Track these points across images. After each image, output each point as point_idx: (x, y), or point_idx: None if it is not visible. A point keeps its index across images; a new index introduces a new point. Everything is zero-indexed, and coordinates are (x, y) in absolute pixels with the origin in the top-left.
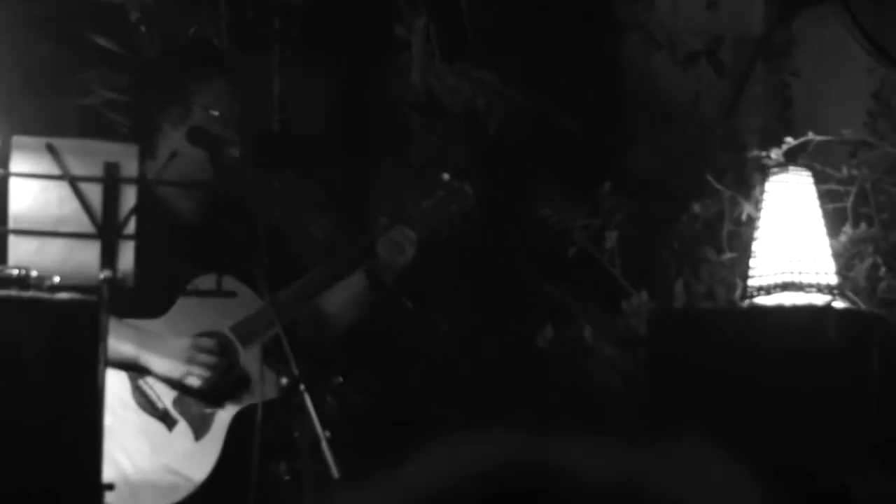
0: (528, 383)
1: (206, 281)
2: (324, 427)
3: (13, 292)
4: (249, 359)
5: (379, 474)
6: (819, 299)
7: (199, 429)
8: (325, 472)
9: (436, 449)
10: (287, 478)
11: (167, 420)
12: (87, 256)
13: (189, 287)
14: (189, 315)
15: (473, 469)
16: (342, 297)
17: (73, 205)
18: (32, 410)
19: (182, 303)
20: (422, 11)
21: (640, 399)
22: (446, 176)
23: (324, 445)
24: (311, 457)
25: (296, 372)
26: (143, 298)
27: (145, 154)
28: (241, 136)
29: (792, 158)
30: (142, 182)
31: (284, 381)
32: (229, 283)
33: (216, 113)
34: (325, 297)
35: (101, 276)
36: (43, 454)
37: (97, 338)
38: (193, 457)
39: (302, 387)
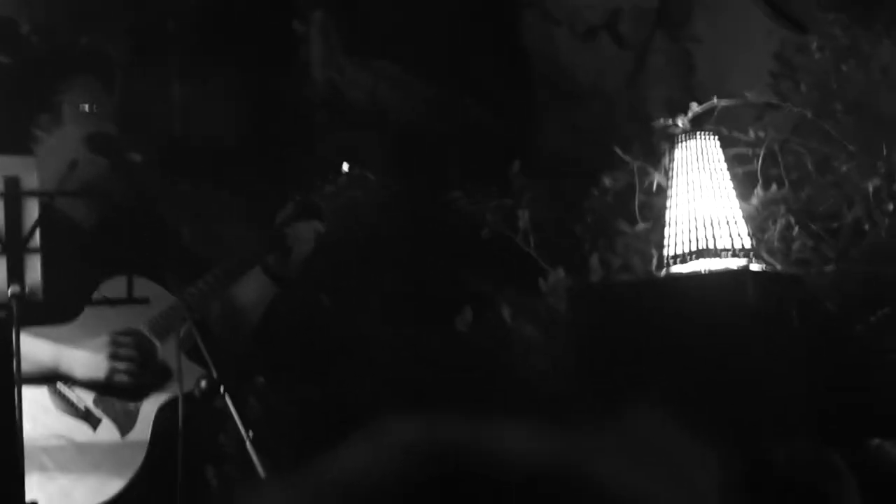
0: (452, 368)
1: (116, 283)
2: (247, 428)
3: None
4: (167, 352)
5: (305, 465)
6: (735, 263)
7: (125, 425)
8: (251, 472)
9: (362, 437)
10: (216, 482)
11: (90, 419)
12: None
13: (98, 290)
14: (101, 317)
15: (401, 455)
16: (248, 292)
17: None
18: None
19: (92, 307)
20: (318, 4)
21: (564, 377)
22: (346, 165)
23: (248, 446)
24: (238, 459)
25: (215, 374)
26: (52, 307)
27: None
28: (142, 142)
29: (698, 124)
30: (44, 194)
31: (204, 383)
32: (139, 282)
33: (87, 107)
34: (234, 292)
35: (10, 291)
36: None
37: (10, 354)
38: (121, 453)
39: (222, 389)
